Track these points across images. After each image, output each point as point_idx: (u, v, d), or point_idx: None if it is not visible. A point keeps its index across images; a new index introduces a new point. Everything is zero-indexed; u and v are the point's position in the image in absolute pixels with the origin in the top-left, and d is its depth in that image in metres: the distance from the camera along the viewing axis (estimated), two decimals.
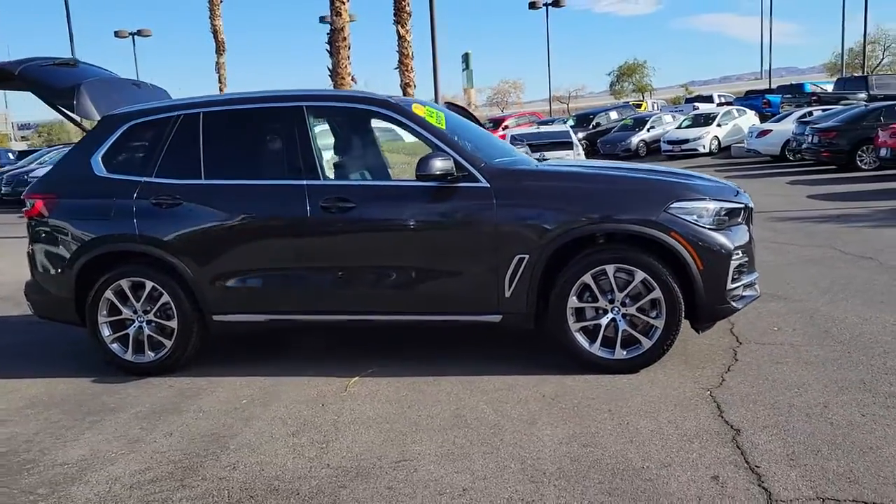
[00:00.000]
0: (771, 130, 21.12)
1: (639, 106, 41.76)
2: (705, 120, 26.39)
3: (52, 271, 4.97)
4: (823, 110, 20.86)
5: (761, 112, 27.63)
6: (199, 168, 4.77)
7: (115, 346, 4.87)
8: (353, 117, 5.16)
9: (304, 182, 4.58)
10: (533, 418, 3.74)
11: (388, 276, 4.54)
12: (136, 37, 41.91)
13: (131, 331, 4.84)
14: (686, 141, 25.33)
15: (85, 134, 5.15)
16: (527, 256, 4.30)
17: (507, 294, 4.37)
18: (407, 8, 19.61)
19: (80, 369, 5.01)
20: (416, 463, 3.31)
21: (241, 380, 4.62)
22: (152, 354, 4.83)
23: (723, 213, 4.32)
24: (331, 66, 16.39)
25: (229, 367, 4.87)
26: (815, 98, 26.11)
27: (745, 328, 5.00)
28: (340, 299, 4.60)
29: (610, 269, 4.25)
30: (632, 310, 4.28)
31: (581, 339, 4.34)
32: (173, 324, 4.78)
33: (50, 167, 5.35)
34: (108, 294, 4.81)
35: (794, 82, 36.49)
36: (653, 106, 42.66)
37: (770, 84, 42.34)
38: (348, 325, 4.72)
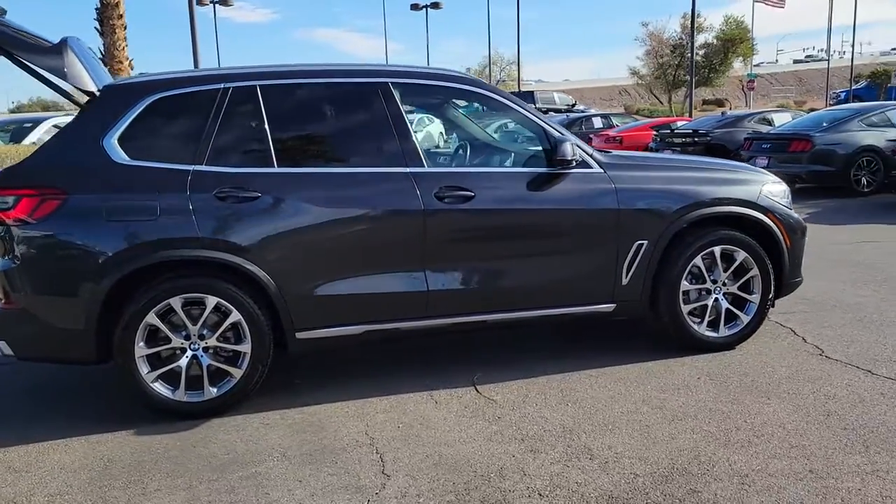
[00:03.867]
0: None
1: None
2: None
3: (58, 295, 3.62)
4: None
5: None
6: (268, 153, 3.85)
7: (157, 386, 3.72)
8: (445, 96, 4.56)
9: (409, 169, 3.97)
10: (737, 396, 3.74)
11: (507, 270, 4.13)
12: None
13: (183, 363, 3.74)
14: None
15: (82, 109, 3.83)
16: (645, 242, 4.26)
17: (625, 281, 4.28)
18: None
19: (105, 419, 3.73)
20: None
21: (355, 403, 3.86)
22: (214, 391, 3.77)
23: (790, 195, 4.75)
24: (103, 48, 13.72)
25: (302, 391, 4.03)
26: None
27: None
28: (454, 300, 4.06)
29: (717, 250, 4.41)
30: (733, 288, 4.48)
31: (691, 321, 4.44)
32: (244, 347, 3.79)
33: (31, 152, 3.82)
34: (150, 318, 3.65)
35: None
36: None
37: None
38: (456, 329, 4.18)
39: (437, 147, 4.81)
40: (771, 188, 4.59)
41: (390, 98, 4.05)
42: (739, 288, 4.48)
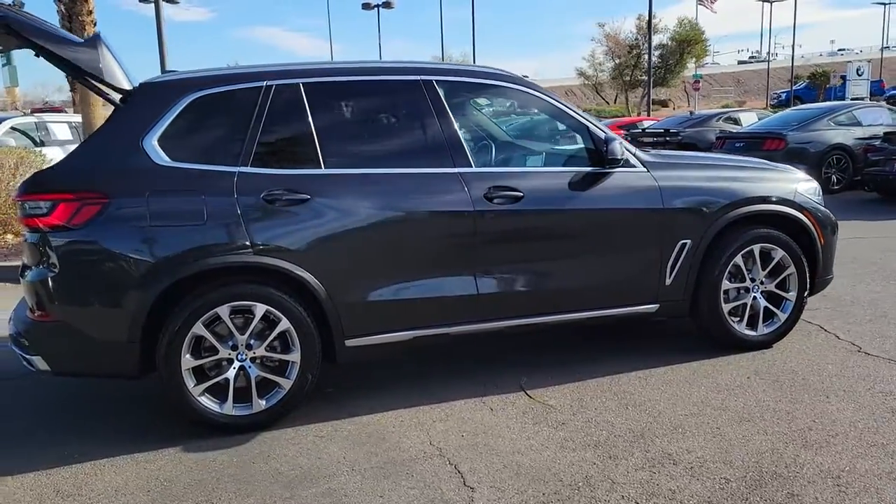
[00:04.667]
0: None
1: None
2: None
3: (100, 305, 3.40)
4: None
5: None
6: (314, 154, 3.69)
7: (204, 400, 3.53)
8: (486, 94, 4.44)
9: (457, 169, 3.86)
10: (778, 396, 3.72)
11: (556, 271, 4.04)
12: None
13: (230, 374, 3.56)
14: None
15: (118, 108, 3.61)
16: (689, 241, 4.23)
17: (668, 282, 4.24)
18: None
19: (144, 436, 3.52)
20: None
21: (407, 412, 3.73)
22: (263, 403, 3.60)
23: (821, 192, 4.78)
24: None
25: (343, 401, 3.89)
26: None
27: None
28: (503, 302, 3.96)
29: (756, 248, 4.41)
30: (771, 286, 4.49)
31: (731, 320, 4.42)
32: (294, 357, 3.62)
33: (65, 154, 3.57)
34: (198, 328, 3.46)
35: None
36: None
37: None
38: (504, 332, 4.07)
39: (484, 146, 4.64)
40: (805, 186, 4.62)
41: (435, 96, 3.93)
42: (776, 286, 4.49)
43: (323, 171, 3.68)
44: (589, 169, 4.11)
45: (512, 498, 2.87)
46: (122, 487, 3.09)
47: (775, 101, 44.89)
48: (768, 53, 64.43)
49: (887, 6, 65.62)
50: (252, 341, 3.58)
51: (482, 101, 4.90)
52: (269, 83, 3.73)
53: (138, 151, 3.49)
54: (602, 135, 4.10)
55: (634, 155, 4.21)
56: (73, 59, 3.44)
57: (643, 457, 3.16)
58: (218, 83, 3.70)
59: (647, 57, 32.14)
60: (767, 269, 4.45)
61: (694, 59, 47.51)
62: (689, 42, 44.06)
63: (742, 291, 4.46)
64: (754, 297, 4.46)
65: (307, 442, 3.47)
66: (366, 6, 50.21)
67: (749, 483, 2.89)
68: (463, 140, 3.96)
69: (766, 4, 51.26)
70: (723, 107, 39.24)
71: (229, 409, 3.55)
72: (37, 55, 3.50)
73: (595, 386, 4.01)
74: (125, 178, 3.45)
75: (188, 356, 3.46)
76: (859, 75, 32.22)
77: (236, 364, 3.56)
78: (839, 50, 78.45)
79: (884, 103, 15.83)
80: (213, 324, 3.51)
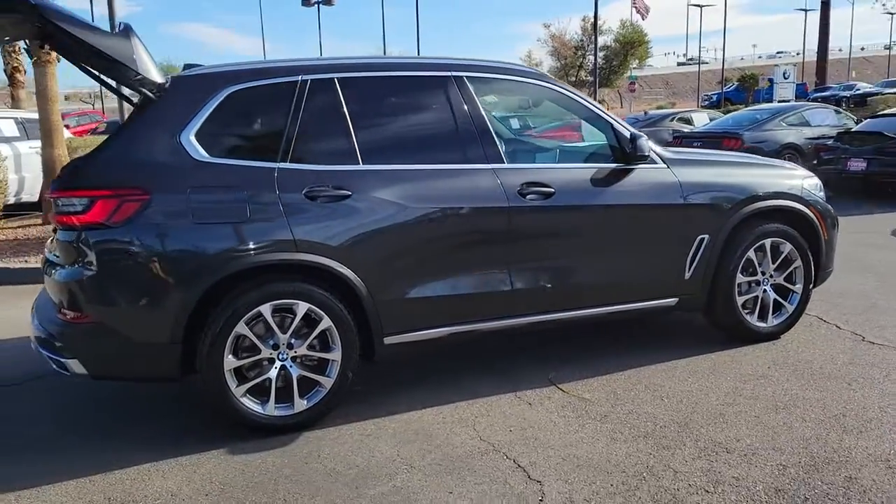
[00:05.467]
0: None
1: None
2: None
3: (142, 306, 3.28)
4: None
5: None
6: (352, 149, 3.65)
7: (246, 401, 3.45)
8: (515, 91, 4.44)
9: (491, 165, 3.87)
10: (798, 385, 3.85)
11: (586, 267, 4.10)
12: None
13: (273, 374, 3.49)
14: None
15: (149, 102, 3.48)
16: (707, 236, 4.34)
17: (687, 276, 4.35)
18: None
19: (184, 438, 3.42)
20: None
21: (446, 408, 3.72)
22: (304, 403, 3.54)
23: (823, 188, 4.96)
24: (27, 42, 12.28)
25: (377, 399, 3.86)
26: None
27: None
28: (536, 298, 3.98)
29: (768, 243, 4.55)
30: (779, 279, 4.64)
31: (744, 312, 4.56)
32: (334, 355, 3.58)
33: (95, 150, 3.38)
34: (241, 327, 3.38)
35: None
36: None
37: None
38: (535, 328, 4.10)
39: (511, 141, 4.66)
40: (810, 181, 4.79)
41: (467, 92, 3.93)
42: (784, 279, 4.65)
43: (362, 167, 3.64)
44: (616, 165, 4.17)
45: (582, 489, 2.90)
46: (177, 492, 3.00)
47: (706, 102, 46.14)
48: (699, 56, 66.34)
49: (807, 12, 68.26)
50: (293, 340, 3.52)
51: (506, 96, 4.92)
52: (304, 77, 3.67)
53: (176, 147, 3.38)
54: (627, 132, 4.17)
55: (655, 152, 4.31)
56: (105, 49, 3.31)
57: (695, 446, 3.24)
58: (253, 77, 3.62)
59: (591, 58, 32.68)
60: (777, 263, 4.61)
61: (637, 61, 48.62)
62: (632, 44, 45.09)
63: (753, 285, 4.60)
64: (764, 290, 4.61)
65: (353, 441, 3.43)
66: (305, 2, 49.43)
67: (806, 468, 2.99)
68: (495, 136, 3.97)
69: (692, 8, 52.87)
70: (657, 108, 40.28)
71: (272, 409, 3.49)
72: (49, 50, 3.35)
73: (624, 379, 4.08)
74: (165, 174, 3.34)
75: (231, 357, 3.39)
76: (785, 78, 33.40)
77: (277, 363, 3.50)
78: (778, 52, 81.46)
79: (830, 105, 16.47)
80: (251, 323, 3.44)
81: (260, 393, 3.50)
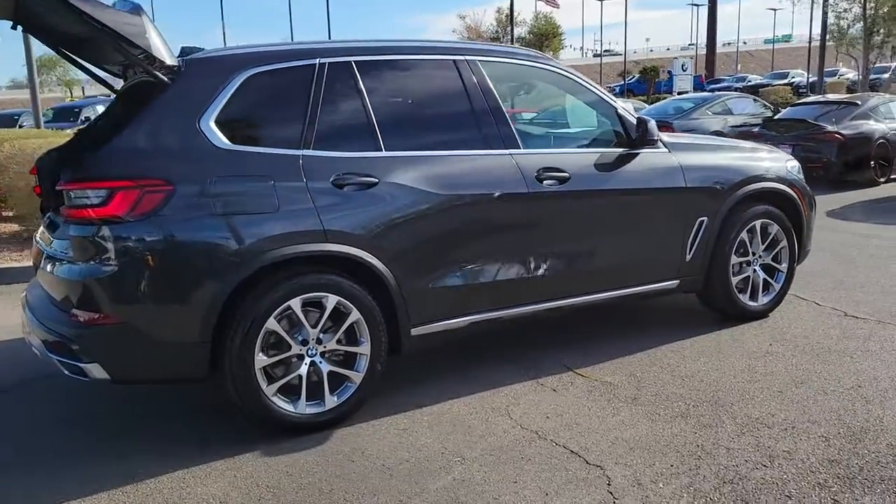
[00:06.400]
0: None
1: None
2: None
3: (169, 303, 3.06)
4: None
5: None
6: (374, 136, 3.52)
7: (277, 400, 3.28)
8: (524, 76, 4.36)
9: (509, 151, 3.83)
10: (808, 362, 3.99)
11: (600, 251, 4.12)
12: None
13: (303, 371, 3.33)
14: None
15: (162, 86, 3.22)
16: (706, 219, 4.44)
17: (688, 258, 4.44)
18: None
19: (212, 441, 3.21)
20: None
21: (473, 398, 3.66)
22: (335, 399, 3.40)
23: (801, 170, 5.16)
24: None
25: (394, 391, 3.75)
26: None
27: None
28: (552, 284, 3.97)
29: (758, 224, 4.70)
30: (768, 259, 4.80)
31: (737, 292, 4.69)
32: (363, 349, 3.45)
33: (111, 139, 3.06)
34: (271, 323, 3.21)
35: None
36: None
37: None
38: (550, 314, 4.08)
39: (525, 126, 4.62)
40: (791, 163, 4.98)
41: (481, 77, 3.87)
42: (772, 259, 4.82)
43: (385, 153, 3.52)
44: (624, 150, 4.20)
45: (645, 472, 2.91)
46: (224, 499, 2.82)
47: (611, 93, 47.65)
48: (601, 47, 68.35)
49: (698, 7, 71.10)
50: (322, 335, 3.37)
51: (516, 81, 4.87)
52: (322, 60, 3.51)
53: (196, 133, 3.18)
54: (633, 117, 4.21)
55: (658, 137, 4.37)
56: (116, 28, 3.05)
57: (734, 423, 3.31)
58: (270, 60, 3.44)
59: None
60: (766, 244, 4.77)
61: (551, 53, 49.52)
62: (546, 36, 45.88)
63: (745, 265, 4.74)
64: (755, 270, 4.77)
65: (392, 435, 3.33)
66: None
67: (849, 440, 3.10)
68: (511, 122, 3.93)
69: (589, 2, 54.46)
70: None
71: (303, 407, 3.34)
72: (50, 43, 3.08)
73: (637, 362, 4.13)
74: (187, 162, 3.13)
75: (261, 355, 3.22)
76: (683, 70, 34.71)
77: (307, 360, 3.35)
78: (690, 44, 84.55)
79: (749, 94, 17.23)
80: (280, 319, 3.28)
81: (288, 391, 3.34)
